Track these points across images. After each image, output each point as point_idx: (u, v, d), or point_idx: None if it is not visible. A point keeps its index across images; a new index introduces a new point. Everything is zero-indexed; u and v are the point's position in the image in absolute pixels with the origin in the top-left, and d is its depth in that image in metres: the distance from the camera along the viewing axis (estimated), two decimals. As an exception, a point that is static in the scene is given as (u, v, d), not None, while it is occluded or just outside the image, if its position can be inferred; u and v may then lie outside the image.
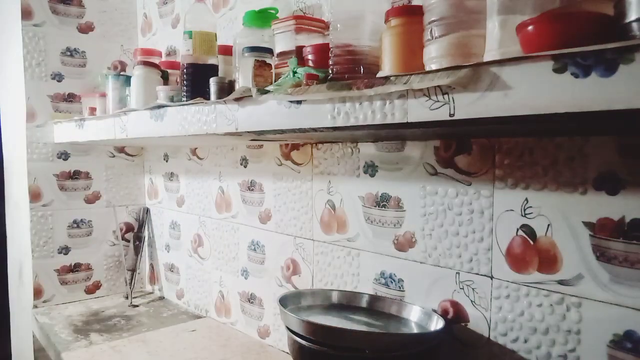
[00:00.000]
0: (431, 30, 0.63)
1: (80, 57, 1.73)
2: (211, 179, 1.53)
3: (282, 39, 0.97)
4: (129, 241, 1.86)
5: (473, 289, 0.88)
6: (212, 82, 0.99)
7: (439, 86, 0.54)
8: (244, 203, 1.40)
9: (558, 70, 0.44)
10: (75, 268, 1.75)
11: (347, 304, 1.04)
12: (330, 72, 0.76)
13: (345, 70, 0.74)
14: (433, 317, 0.91)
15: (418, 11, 0.67)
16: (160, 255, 1.83)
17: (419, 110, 0.56)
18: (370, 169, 1.04)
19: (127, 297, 1.77)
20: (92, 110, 1.57)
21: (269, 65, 0.93)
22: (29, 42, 1.62)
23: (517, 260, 0.82)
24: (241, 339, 1.38)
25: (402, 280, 1.00)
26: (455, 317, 0.91)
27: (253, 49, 0.97)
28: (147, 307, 1.70)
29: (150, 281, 1.90)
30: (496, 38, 0.55)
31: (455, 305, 0.91)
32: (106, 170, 1.79)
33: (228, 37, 1.21)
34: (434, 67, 0.61)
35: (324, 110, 0.67)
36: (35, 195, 1.67)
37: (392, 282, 1.01)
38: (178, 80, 1.17)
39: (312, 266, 1.19)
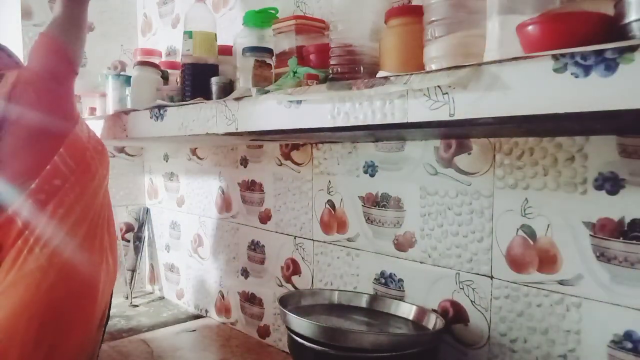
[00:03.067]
0: (431, 30, 0.63)
1: (80, 57, 1.72)
2: (211, 179, 1.53)
3: (282, 39, 0.97)
4: (129, 241, 1.86)
5: (473, 289, 0.88)
6: (213, 82, 0.99)
7: (439, 86, 0.54)
8: (244, 203, 1.40)
9: (558, 70, 0.44)
10: (75, 268, 1.75)
11: (347, 304, 1.04)
12: (330, 72, 0.76)
13: (345, 70, 0.74)
14: (433, 317, 0.91)
15: (418, 11, 0.67)
16: (160, 255, 1.83)
17: (419, 110, 0.56)
18: (370, 169, 1.04)
19: (127, 297, 1.77)
20: (92, 110, 1.57)
21: (269, 65, 0.93)
22: (29, 42, 1.62)
23: (517, 260, 0.82)
24: (241, 339, 1.38)
25: (402, 280, 1.00)
26: (455, 317, 0.91)
27: (253, 49, 0.97)
28: (147, 307, 1.70)
29: (150, 281, 1.90)
30: (496, 38, 0.55)
31: (455, 305, 0.91)
32: (106, 170, 1.79)
33: (228, 37, 1.21)
34: (434, 67, 0.61)
35: (324, 110, 0.67)
36: (35, 195, 1.66)
37: (392, 282, 1.01)
38: (178, 80, 1.17)
39: (312, 266, 1.19)
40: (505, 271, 0.83)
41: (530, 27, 0.50)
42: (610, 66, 0.40)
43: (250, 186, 1.37)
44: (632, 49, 0.39)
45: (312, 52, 0.88)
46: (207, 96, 0.98)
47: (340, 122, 0.65)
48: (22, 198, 0.96)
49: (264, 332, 1.35)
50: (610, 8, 0.46)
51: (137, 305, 1.71)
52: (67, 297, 0.96)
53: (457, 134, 0.83)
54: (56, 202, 0.98)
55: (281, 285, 1.28)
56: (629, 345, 0.70)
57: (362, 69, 0.74)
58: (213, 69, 1.05)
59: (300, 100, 0.71)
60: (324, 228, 1.16)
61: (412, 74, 0.57)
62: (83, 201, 1.02)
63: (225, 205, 1.47)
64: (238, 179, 1.41)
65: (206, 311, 1.59)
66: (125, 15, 1.83)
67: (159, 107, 1.02)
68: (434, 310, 0.93)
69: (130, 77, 1.30)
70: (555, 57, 0.44)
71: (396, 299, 0.99)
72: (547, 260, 0.78)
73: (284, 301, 0.97)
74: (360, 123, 0.63)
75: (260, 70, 0.90)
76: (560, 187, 0.76)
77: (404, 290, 1.00)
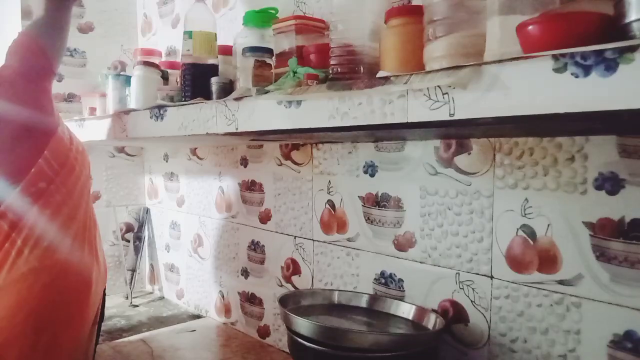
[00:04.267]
0: (431, 30, 0.63)
1: (80, 57, 1.73)
2: (211, 179, 1.53)
3: (282, 39, 0.97)
4: (129, 241, 1.86)
5: (473, 289, 0.88)
6: (213, 82, 0.99)
7: (439, 86, 0.54)
8: (244, 203, 1.40)
9: (558, 70, 0.44)
10: (75, 268, 1.75)
11: (347, 304, 1.04)
12: (330, 72, 0.76)
13: (345, 70, 0.74)
14: (433, 317, 0.91)
15: (418, 11, 0.67)
16: (160, 255, 1.83)
17: (419, 110, 0.56)
18: (370, 169, 1.04)
19: (127, 297, 1.77)
20: (92, 110, 1.57)
21: (269, 65, 0.93)
22: (29, 42, 1.62)
23: (517, 260, 0.82)
24: (241, 339, 1.38)
25: (402, 280, 1.00)
26: (455, 317, 0.91)
27: (253, 49, 0.97)
28: (147, 307, 1.70)
29: (150, 281, 1.90)
30: (496, 38, 0.55)
31: (455, 305, 0.91)
32: (106, 170, 1.79)
33: (228, 37, 1.21)
34: (434, 67, 0.61)
35: (324, 110, 0.67)
36: (35, 195, 1.66)
37: (392, 282, 1.01)
38: (178, 80, 1.17)
39: (312, 266, 1.19)
40: (505, 271, 0.83)
41: (530, 27, 0.49)
42: (610, 66, 0.40)
43: (250, 186, 1.37)
44: (632, 49, 0.39)
45: (312, 52, 0.88)
46: (207, 96, 0.98)
47: (340, 122, 0.65)
48: (8, 201, 0.96)
49: (264, 332, 1.35)
50: (610, 8, 0.46)
51: (137, 305, 1.71)
52: (61, 296, 0.96)
53: (457, 134, 0.83)
54: (42, 203, 0.98)
55: (281, 285, 1.28)
56: (629, 345, 0.70)
57: (362, 69, 0.74)
58: (213, 69, 1.05)
59: (300, 100, 0.71)
60: (324, 228, 1.16)
61: (412, 74, 0.57)
62: (71, 201, 1.02)
63: (225, 205, 1.47)
64: (238, 179, 1.41)
65: (206, 311, 1.59)
66: (125, 15, 1.83)
67: (159, 107, 1.02)
68: (434, 310, 0.93)
69: (130, 77, 1.30)
70: (555, 57, 0.44)
71: (396, 299, 0.99)
72: (547, 260, 0.78)
73: (284, 301, 0.97)
74: (360, 123, 0.63)
75: (260, 70, 0.90)
76: (560, 187, 0.76)
77: (404, 290, 1.00)
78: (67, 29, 1.07)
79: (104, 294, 1.14)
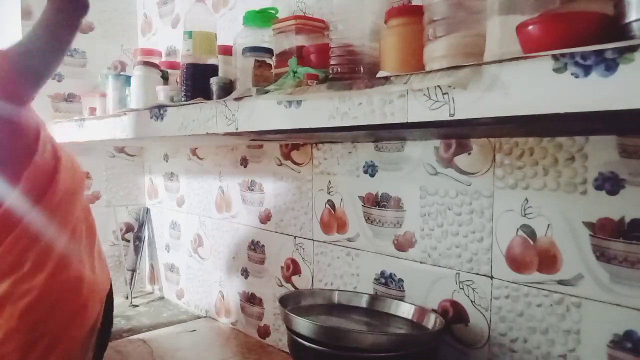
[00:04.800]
0: (431, 30, 0.63)
1: (80, 57, 1.72)
2: (211, 179, 1.53)
3: (282, 39, 0.97)
4: (129, 241, 1.86)
5: (473, 289, 0.88)
6: (213, 82, 0.99)
7: (439, 86, 0.54)
8: (244, 203, 1.40)
9: (558, 70, 0.44)
10: (75, 268, 1.75)
11: (347, 304, 1.04)
12: (330, 72, 0.76)
13: (345, 70, 0.74)
14: (433, 317, 0.91)
15: (418, 11, 0.67)
16: (160, 255, 1.83)
17: (419, 110, 0.56)
18: (370, 169, 1.04)
19: (127, 297, 1.77)
20: (92, 110, 1.57)
21: (269, 65, 0.93)
22: (29, 42, 1.62)
23: (517, 260, 0.82)
24: (241, 339, 1.38)
25: (402, 280, 1.00)
26: (455, 317, 0.91)
27: (253, 49, 0.97)
28: (147, 307, 1.70)
29: (150, 281, 1.90)
30: (496, 38, 0.55)
31: (455, 305, 0.91)
32: (106, 170, 1.79)
33: (228, 37, 1.21)
34: (434, 67, 0.61)
35: (324, 110, 0.67)
36: (35, 195, 1.66)
37: (392, 282, 1.01)
38: (178, 80, 1.17)
39: (312, 266, 1.19)
40: (505, 271, 0.83)
41: (530, 27, 0.50)
42: (610, 66, 0.40)
43: (250, 186, 1.37)
44: (632, 49, 0.39)
45: (312, 52, 0.88)
46: (207, 96, 0.98)
47: (340, 122, 0.65)
48: None
49: (264, 332, 1.35)
50: (610, 8, 0.46)
51: (137, 305, 1.71)
52: (51, 310, 0.94)
53: (457, 134, 0.83)
54: (25, 227, 0.94)
55: (281, 285, 1.28)
56: (629, 345, 0.70)
57: (362, 69, 0.74)
58: (213, 69, 1.05)
59: (300, 100, 0.70)
60: (324, 228, 1.16)
61: (412, 74, 0.57)
62: (57, 218, 0.99)
63: (225, 205, 1.47)
64: (238, 179, 1.41)
65: (206, 311, 1.59)
66: (125, 15, 1.83)
67: (159, 107, 1.02)
68: (434, 310, 0.93)
69: (130, 77, 1.30)
70: (555, 57, 0.44)
71: (396, 299, 0.99)
72: (547, 260, 0.78)
73: (284, 301, 0.97)
74: (360, 123, 0.63)
75: (260, 70, 0.90)
76: (560, 187, 0.76)
77: (404, 290, 1.00)
78: (61, 52, 0.99)
79: (111, 300, 1.13)
